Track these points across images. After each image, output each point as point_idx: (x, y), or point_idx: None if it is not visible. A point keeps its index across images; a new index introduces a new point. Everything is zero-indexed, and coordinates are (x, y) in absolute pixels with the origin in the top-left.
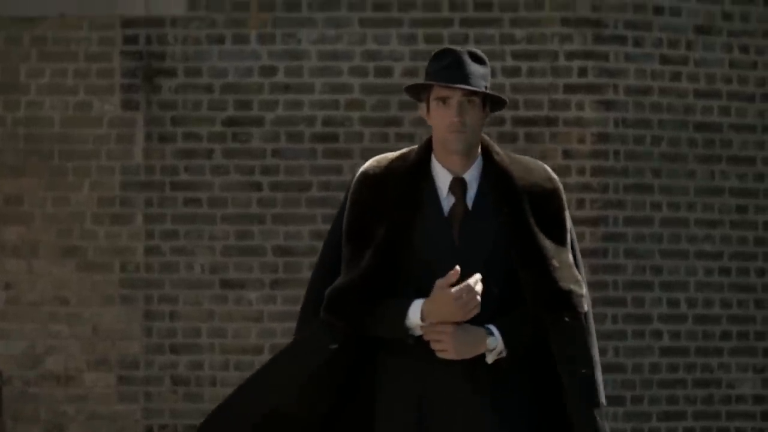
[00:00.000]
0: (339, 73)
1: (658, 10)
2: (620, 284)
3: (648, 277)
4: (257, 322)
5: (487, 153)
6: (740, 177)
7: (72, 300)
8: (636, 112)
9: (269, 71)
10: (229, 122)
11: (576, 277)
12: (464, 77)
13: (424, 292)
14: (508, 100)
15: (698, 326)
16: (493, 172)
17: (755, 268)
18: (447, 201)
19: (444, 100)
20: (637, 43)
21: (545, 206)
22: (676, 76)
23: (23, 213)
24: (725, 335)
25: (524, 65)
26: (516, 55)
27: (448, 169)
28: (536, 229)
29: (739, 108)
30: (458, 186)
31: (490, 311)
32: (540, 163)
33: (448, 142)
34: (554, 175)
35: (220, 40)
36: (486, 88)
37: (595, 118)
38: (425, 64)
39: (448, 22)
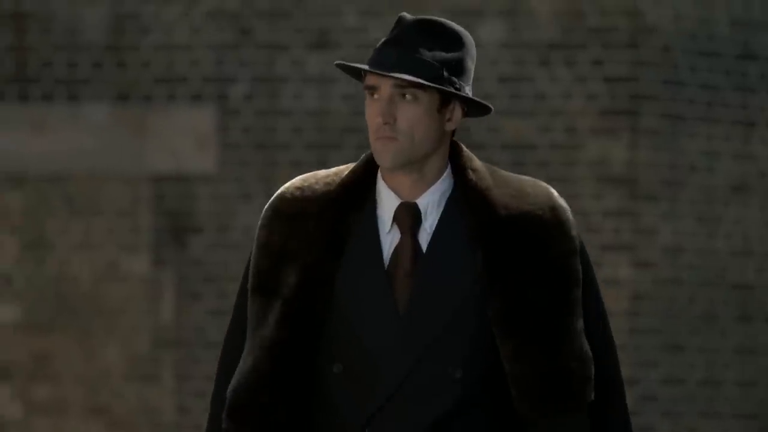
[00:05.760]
0: None
1: (693, 169)
2: None
3: None
4: None
5: (460, 169)
6: None
7: None
8: (671, 272)
9: None
10: None
11: (581, 352)
12: (397, 59)
13: (356, 374)
14: (482, 101)
15: None
16: (466, 196)
17: None
18: (390, 238)
19: (372, 91)
20: (672, 201)
21: (544, 247)
22: (711, 235)
23: (52, 371)
24: None
25: None
26: None
27: (396, 192)
28: (526, 280)
29: None
30: (406, 215)
31: (449, 404)
32: (543, 185)
33: (375, 153)
34: (563, 203)
35: (250, 196)
36: (444, 76)
37: (630, 278)
38: None
39: None
